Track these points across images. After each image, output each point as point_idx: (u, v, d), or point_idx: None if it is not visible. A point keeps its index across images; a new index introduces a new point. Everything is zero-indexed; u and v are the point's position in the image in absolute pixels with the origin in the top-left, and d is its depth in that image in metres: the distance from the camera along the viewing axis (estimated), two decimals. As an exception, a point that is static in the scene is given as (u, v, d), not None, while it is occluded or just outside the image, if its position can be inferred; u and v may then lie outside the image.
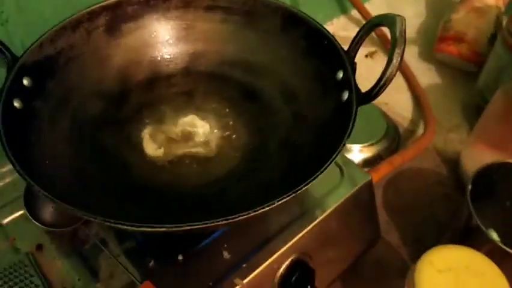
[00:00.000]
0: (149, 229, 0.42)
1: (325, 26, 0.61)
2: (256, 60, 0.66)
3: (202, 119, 0.64)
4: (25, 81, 0.54)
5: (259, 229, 0.59)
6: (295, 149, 0.57)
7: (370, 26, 0.54)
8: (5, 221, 0.60)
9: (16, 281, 0.53)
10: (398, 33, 0.48)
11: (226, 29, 0.67)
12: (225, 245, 0.58)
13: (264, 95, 0.64)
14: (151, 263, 0.56)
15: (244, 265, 0.56)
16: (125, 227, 0.42)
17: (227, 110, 0.64)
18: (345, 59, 0.56)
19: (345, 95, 0.54)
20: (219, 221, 0.42)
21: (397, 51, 0.48)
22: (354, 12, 1.10)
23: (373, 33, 1.08)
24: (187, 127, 0.63)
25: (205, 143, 0.62)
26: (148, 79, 0.66)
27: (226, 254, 0.57)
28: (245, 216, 0.42)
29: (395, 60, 0.48)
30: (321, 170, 0.45)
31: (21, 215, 0.60)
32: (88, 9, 0.60)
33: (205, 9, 0.66)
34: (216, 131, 0.63)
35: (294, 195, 0.44)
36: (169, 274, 0.55)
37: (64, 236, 0.58)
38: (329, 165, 0.46)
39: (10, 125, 0.49)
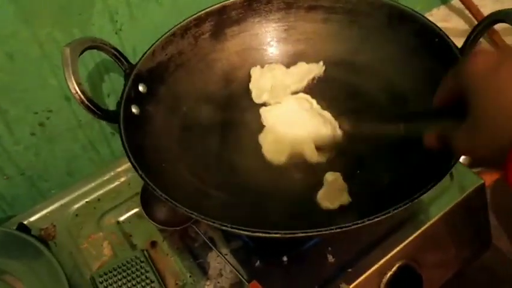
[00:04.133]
0: (263, 235, 0.42)
1: (424, 17, 0.58)
2: (359, 59, 0.65)
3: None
4: (141, 88, 0.57)
5: (364, 233, 0.58)
6: (404, 152, 0.55)
7: (489, 22, 0.51)
8: (122, 218, 0.65)
9: (133, 276, 0.57)
10: (524, 31, 0.45)
11: (328, 29, 0.67)
12: (329, 248, 0.58)
13: (369, 96, 0.62)
14: (257, 263, 0.58)
15: (349, 270, 0.55)
16: (241, 231, 0.43)
17: (329, 110, 0.63)
18: (460, 58, 0.53)
19: (460, 97, 0.51)
20: (332, 229, 0.42)
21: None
22: (456, 2, 1.03)
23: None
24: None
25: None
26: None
27: (330, 258, 0.57)
28: (359, 225, 0.42)
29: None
30: (441, 176, 0.43)
31: (135, 213, 0.65)
32: (195, 16, 0.63)
33: (307, 10, 0.66)
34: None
35: (410, 203, 0.42)
36: (274, 275, 0.57)
37: (175, 234, 0.61)
38: (448, 172, 0.44)
39: (130, 130, 0.52)
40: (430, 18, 0.59)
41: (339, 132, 0.60)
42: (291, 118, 0.62)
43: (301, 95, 0.64)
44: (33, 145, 0.66)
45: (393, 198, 0.44)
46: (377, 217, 0.42)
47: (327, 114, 0.62)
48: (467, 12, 0.96)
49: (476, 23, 0.94)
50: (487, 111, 0.34)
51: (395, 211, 0.42)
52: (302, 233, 0.42)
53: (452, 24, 1.00)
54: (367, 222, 0.42)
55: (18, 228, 0.60)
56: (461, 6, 1.00)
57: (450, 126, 0.39)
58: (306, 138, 0.59)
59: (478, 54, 0.37)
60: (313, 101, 0.63)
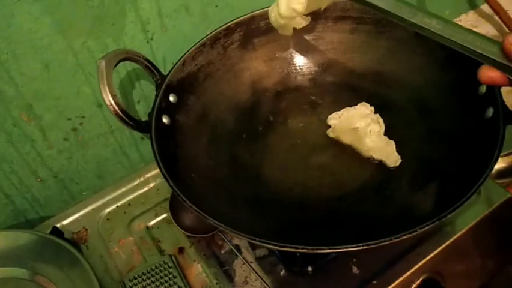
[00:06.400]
0: (291, 250, 0.43)
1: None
2: (387, 70, 0.65)
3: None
4: (171, 98, 0.59)
5: (389, 245, 0.58)
6: (431, 167, 0.56)
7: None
8: (151, 223, 0.66)
9: (162, 281, 0.59)
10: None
11: (356, 39, 0.67)
12: (354, 260, 0.58)
13: (396, 107, 0.63)
14: (282, 272, 0.58)
15: (374, 282, 0.56)
16: (269, 246, 0.44)
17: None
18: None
19: (490, 112, 0.51)
20: (359, 246, 0.42)
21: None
22: (485, 7, 1.02)
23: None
24: (316, 137, 0.64)
25: (335, 155, 0.62)
26: (277, 91, 0.68)
27: (355, 269, 0.58)
28: (391, 241, 0.42)
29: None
30: (468, 195, 0.44)
31: (163, 219, 0.66)
32: (224, 26, 0.64)
33: (335, 20, 0.66)
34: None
35: (444, 219, 0.43)
36: (300, 284, 0.57)
37: (202, 240, 0.62)
38: (476, 190, 0.44)
39: (161, 140, 0.54)
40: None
41: None
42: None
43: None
44: (66, 149, 0.68)
45: (422, 215, 0.45)
46: (410, 233, 0.42)
47: None
48: (496, 17, 0.95)
49: (505, 28, 0.93)
50: None
51: (430, 226, 0.42)
52: (329, 249, 0.43)
53: (481, 30, 0.98)
54: (394, 240, 0.42)
55: (52, 232, 0.62)
56: (490, 11, 0.98)
57: None
58: None
59: None
60: None
